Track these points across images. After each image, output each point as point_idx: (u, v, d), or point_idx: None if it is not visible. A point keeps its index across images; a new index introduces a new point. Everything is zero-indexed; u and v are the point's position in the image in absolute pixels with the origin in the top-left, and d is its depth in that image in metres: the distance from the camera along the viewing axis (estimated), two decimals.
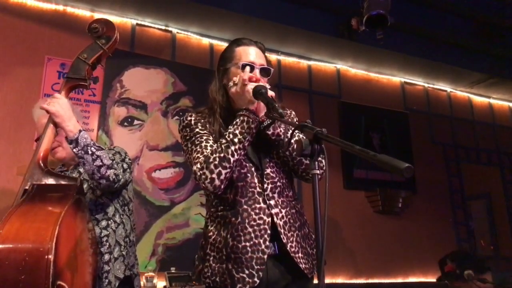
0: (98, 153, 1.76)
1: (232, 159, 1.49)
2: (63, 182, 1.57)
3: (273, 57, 4.75)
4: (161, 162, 3.89)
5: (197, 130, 1.61)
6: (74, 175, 2.04)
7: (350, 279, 4.45)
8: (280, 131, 1.62)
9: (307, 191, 4.29)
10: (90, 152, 1.74)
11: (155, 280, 3.27)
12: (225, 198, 1.59)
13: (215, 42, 4.45)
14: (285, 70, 4.80)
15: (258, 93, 1.51)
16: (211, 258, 1.57)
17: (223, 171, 1.48)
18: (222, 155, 1.48)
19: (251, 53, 1.67)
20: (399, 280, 4.68)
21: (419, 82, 5.63)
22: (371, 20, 4.10)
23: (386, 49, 4.71)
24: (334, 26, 4.54)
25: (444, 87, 5.79)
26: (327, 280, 4.23)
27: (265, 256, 1.51)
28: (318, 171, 1.19)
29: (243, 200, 1.56)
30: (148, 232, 3.69)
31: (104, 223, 1.97)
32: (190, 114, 1.67)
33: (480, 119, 5.90)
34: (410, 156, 5.13)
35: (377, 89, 5.32)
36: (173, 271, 3.36)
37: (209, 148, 1.55)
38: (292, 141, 1.57)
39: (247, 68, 1.59)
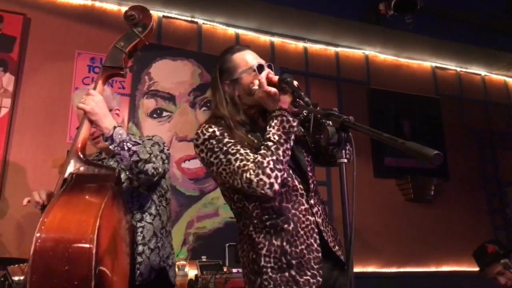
0: (134, 148, 1.71)
1: (284, 160, 1.46)
2: (101, 172, 1.57)
3: (299, 44, 4.72)
4: (190, 153, 3.92)
5: (226, 140, 1.52)
6: (111, 163, 2.03)
7: (382, 268, 4.41)
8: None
9: (335, 180, 4.27)
10: (126, 148, 1.70)
11: (186, 269, 3.32)
12: (270, 206, 1.53)
13: (241, 31, 4.44)
14: (312, 58, 4.75)
15: (284, 81, 1.49)
16: (269, 270, 1.50)
17: (279, 174, 1.44)
18: (274, 157, 1.44)
19: (252, 56, 1.68)
20: (432, 269, 4.61)
21: (451, 66, 5.46)
22: (400, 4, 4.01)
23: (416, 34, 4.58)
24: (361, 11, 4.45)
25: (478, 70, 5.60)
26: (358, 269, 4.21)
27: (320, 255, 1.51)
28: (345, 160, 1.18)
29: (289, 205, 1.53)
30: (179, 222, 3.75)
31: (138, 215, 1.96)
32: (209, 125, 1.57)
33: None
34: (442, 143, 5.01)
35: (407, 74, 5.20)
36: (204, 260, 3.41)
37: (251, 154, 1.48)
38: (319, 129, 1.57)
39: (259, 75, 1.58)
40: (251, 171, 1.43)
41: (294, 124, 1.50)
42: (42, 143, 3.50)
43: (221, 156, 1.50)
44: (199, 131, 1.57)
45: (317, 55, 4.80)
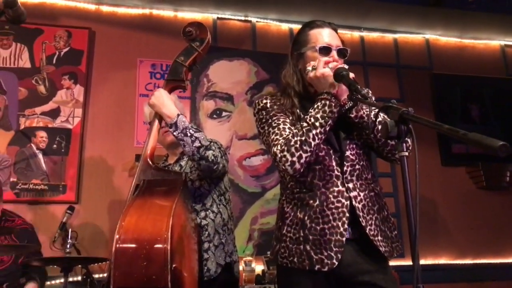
0: (196, 134, 1.85)
1: (313, 143, 1.49)
2: (170, 177, 1.73)
3: (355, 34, 4.62)
4: (250, 151, 3.99)
5: (273, 112, 1.63)
6: (176, 168, 2.15)
7: (454, 260, 4.22)
8: (364, 113, 1.58)
9: (399, 171, 4.09)
10: (189, 134, 1.83)
11: (253, 264, 3.39)
12: (302, 180, 1.59)
13: (294, 26, 4.42)
14: (369, 46, 4.63)
15: (340, 75, 1.48)
16: (288, 239, 1.58)
17: (304, 155, 1.48)
18: (303, 138, 1.48)
19: (326, 35, 1.65)
20: (511, 260, 4.34)
21: None
22: None
23: (479, 12, 4.33)
24: None
25: None
26: (429, 261, 4.07)
27: (344, 239, 1.51)
28: (406, 153, 1.15)
29: (321, 183, 1.56)
30: (243, 218, 3.82)
31: (203, 213, 2.05)
32: (265, 97, 1.70)
33: None
34: None
35: (472, 56, 4.92)
36: (269, 255, 3.44)
37: (287, 130, 1.56)
38: (377, 123, 1.53)
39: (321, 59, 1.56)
40: (278, 146, 1.52)
41: (335, 110, 1.51)
42: (112, 148, 3.70)
43: (266, 127, 1.62)
44: (256, 102, 1.71)
45: (375, 43, 4.68)
